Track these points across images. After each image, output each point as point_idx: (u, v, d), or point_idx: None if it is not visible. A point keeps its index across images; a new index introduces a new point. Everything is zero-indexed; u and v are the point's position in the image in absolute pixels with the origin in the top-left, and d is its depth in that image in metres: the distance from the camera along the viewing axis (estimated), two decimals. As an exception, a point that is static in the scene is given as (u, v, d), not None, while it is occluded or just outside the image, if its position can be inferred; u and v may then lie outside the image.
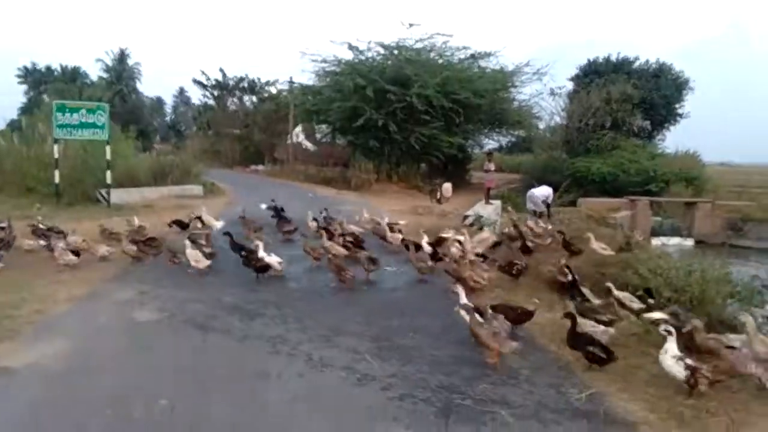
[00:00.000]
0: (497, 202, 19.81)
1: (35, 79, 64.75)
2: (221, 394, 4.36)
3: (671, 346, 4.64)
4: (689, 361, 4.54)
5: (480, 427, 3.96)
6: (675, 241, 21.24)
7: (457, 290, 6.12)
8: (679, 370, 4.50)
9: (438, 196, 22.86)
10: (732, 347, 5.04)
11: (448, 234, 10.38)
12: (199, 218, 11.70)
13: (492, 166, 18.99)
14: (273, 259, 8.26)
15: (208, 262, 8.40)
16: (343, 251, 8.82)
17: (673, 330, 4.79)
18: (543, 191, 16.55)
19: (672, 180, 28.58)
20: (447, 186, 23.79)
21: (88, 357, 5.11)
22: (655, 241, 20.02)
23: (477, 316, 5.22)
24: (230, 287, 7.65)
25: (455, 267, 7.64)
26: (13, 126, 29.93)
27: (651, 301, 7.76)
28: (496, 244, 10.24)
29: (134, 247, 8.97)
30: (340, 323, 6.17)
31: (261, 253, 8.24)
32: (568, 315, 5.38)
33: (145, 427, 3.93)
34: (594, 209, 21.19)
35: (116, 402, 4.19)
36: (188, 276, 8.21)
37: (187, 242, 8.67)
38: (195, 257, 8.33)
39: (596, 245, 10.27)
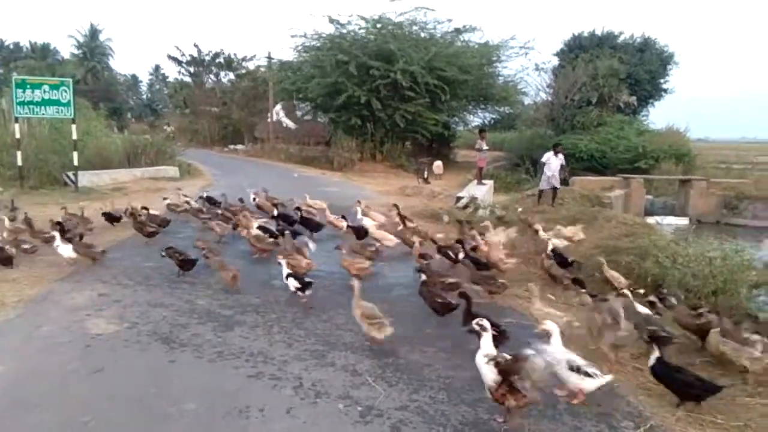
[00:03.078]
0: (489, 182, 18.99)
1: (3, 56, 62.52)
2: (189, 440, 3.44)
3: (485, 343, 3.77)
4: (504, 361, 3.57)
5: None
6: (669, 220, 20.63)
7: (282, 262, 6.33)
8: (489, 375, 3.57)
9: (425, 176, 21.99)
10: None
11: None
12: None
13: (485, 145, 18.10)
14: (64, 248, 7.49)
15: None
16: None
17: (487, 325, 3.88)
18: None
19: (662, 157, 27.99)
20: (438, 164, 22.97)
21: (27, 385, 4.13)
22: (649, 221, 19.41)
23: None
24: (205, 288, 6.67)
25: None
26: (-21, 106, 28.36)
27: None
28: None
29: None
30: (333, 333, 5.25)
31: (56, 243, 7.57)
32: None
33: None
34: (587, 188, 20.47)
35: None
36: (158, 274, 7.20)
37: None
38: None
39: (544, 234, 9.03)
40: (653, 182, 24.26)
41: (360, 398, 3.96)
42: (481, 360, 3.64)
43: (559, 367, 3.87)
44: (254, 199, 11.62)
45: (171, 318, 5.55)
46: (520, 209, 12.53)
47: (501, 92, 30.41)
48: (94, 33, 57.69)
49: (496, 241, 8.26)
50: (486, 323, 3.90)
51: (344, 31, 27.77)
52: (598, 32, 38.91)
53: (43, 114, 16.31)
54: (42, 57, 60.16)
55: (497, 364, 3.53)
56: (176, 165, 21.99)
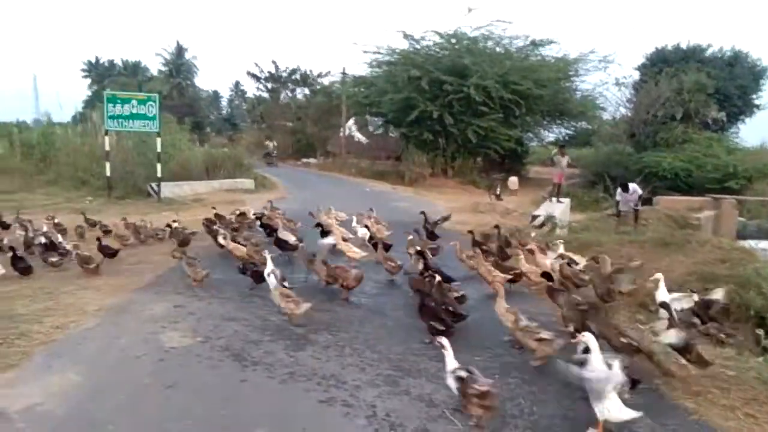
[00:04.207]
0: (567, 200, 18.24)
1: (99, 73, 66.59)
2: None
3: (448, 361, 3.92)
4: (464, 375, 3.72)
5: None
6: (764, 244, 19.05)
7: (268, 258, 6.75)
8: (454, 389, 3.77)
9: (498, 192, 21.46)
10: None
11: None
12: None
13: (565, 161, 17.46)
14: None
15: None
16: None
17: (446, 344, 4.01)
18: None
19: (755, 177, 26.09)
20: (513, 179, 22.47)
21: (99, 399, 4.12)
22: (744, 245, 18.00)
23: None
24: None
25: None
26: (77, 120, 30.40)
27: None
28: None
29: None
30: (407, 357, 4.99)
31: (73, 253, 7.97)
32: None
33: None
34: (672, 208, 19.27)
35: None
36: (230, 287, 7.21)
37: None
38: None
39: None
40: (745, 203, 22.63)
41: (438, 434, 3.68)
42: (448, 378, 3.84)
43: (606, 387, 3.55)
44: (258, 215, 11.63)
45: (243, 333, 5.48)
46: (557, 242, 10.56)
47: (578, 107, 29.45)
48: (180, 51, 60.53)
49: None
50: (445, 342, 4.03)
51: (418, 46, 27.81)
52: (684, 45, 37.21)
53: (131, 128, 17.12)
54: (133, 74, 63.69)
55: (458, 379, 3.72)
56: (252, 177, 22.59)
